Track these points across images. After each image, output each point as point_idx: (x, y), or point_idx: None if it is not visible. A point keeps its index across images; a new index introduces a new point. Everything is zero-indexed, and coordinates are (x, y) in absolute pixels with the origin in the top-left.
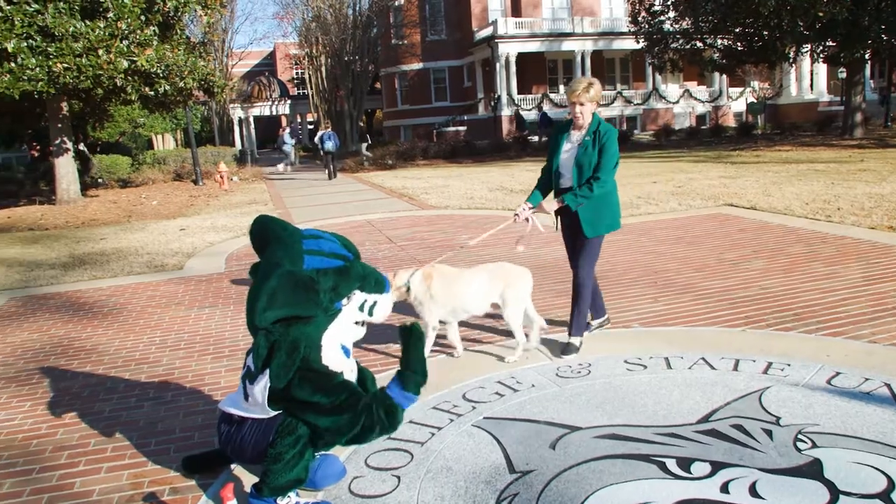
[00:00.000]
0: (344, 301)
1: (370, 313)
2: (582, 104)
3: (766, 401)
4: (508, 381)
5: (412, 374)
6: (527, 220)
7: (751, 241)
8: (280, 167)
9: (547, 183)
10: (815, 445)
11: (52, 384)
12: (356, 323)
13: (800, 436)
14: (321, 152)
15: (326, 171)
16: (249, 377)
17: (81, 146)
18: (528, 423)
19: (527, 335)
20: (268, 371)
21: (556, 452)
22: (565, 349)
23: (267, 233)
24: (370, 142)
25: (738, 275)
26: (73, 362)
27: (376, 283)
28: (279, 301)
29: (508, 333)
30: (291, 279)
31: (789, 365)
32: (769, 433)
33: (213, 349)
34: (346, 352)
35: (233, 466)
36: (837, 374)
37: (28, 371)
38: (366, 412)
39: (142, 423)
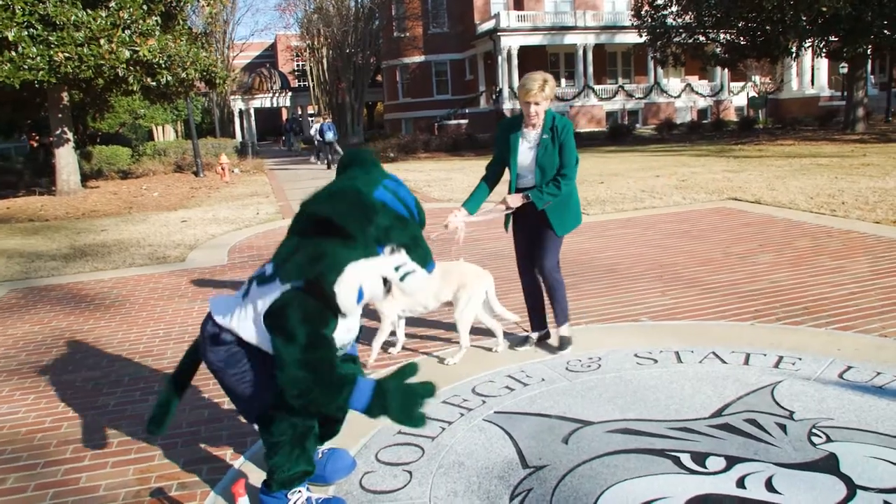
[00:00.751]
0: (387, 250)
1: (402, 278)
2: (538, 103)
3: (779, 395)
4: (518, 374)
5: (388, 399)
6: (456, 228)
7: (756, 235)
8: (312, 158)
9: (492, 181)
10: (829, 440)
11: (55, 377)
12: (384, 279)
13: (814, 430)
14: (320, 142)
15: (325, 161)
16: (260, 279)
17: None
18: (540, 417)
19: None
20: (277, 279)
21: (569, 447)
22: (562, 343)
23: (356, 158)
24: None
25: (745, 268)
26: (76, 355)
27: (423, 256)
28: (333, 202)
29: (509, 326)
30: (356, 195)
31: (800, 359)
32: (783, 427)
33: None
34: (360, 296)
35: (242, 461)
36: (849, 367)
37: (30, 363)
38: (326, 388)
39: (147, 416)
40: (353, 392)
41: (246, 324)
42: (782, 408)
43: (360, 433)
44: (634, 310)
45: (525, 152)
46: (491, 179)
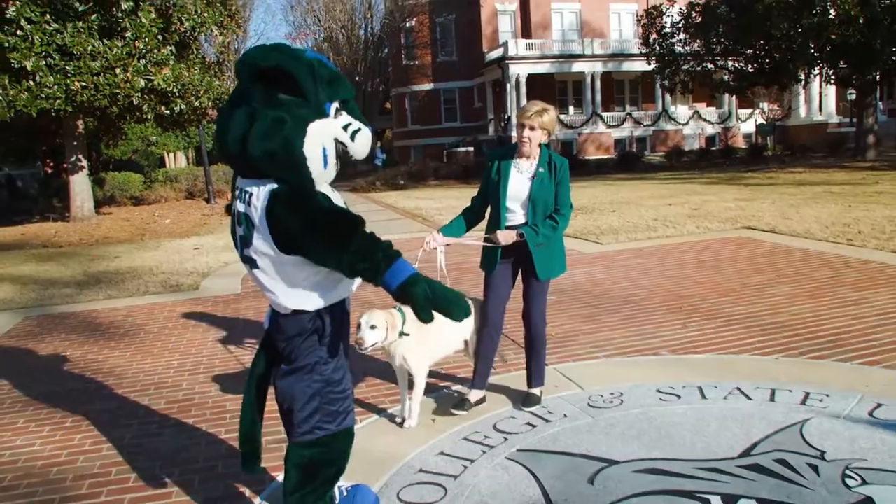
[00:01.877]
0: (332, 108)
1: (352, 137)
2: (532, 128)
3: (808, 433)
4: (539, 411)
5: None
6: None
7: (773, 265)
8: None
9: (476, 215)
10: (865, 482)
11: (70, 408)
12: (337, 142)
13: (847, 471)
14: None
15: None
16: (245, 242)
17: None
18: (564, 455)
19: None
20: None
21: (595, 488)
22: (526, 400)
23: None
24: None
25: (764, 300)
26: (91, 385)
27: (360, 114)
28: (279, 53)
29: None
30: (291, 49)
31: (828, 395)
32: (815, 468)
33: (234, 373)
34: (325, 162)
35: (259, 501)
36: (879, 405)
37: (46, 394)
38: (364, 242)
39: (164, 451)
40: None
41: (284, 290)
42: (813, 447)
43: (379, 472)
44: (654, 342)
45: (517, 183)
46: (473, 212)
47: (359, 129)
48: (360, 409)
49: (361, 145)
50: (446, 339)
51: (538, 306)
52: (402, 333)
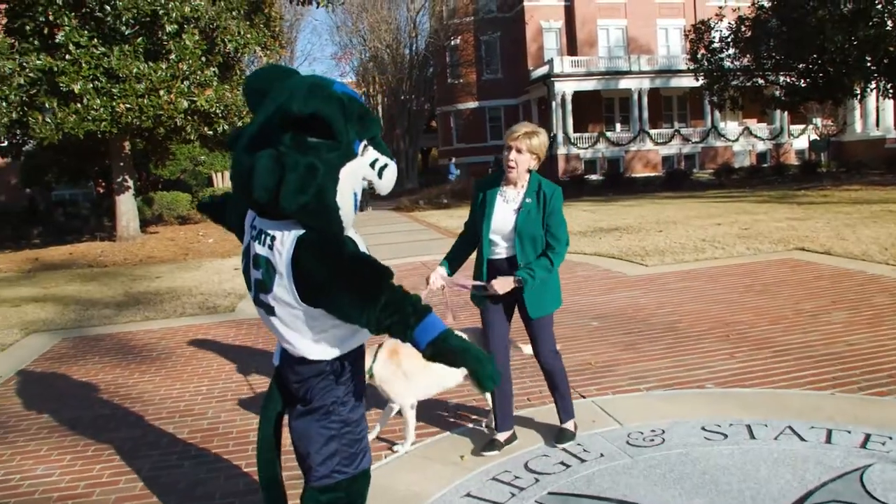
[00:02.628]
0: (361, 146)
1: (380, 175)
2: (519, 151)
3: (869, 482)
4: (574, 448)
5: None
6: (443, 288)
7: (828, 290)
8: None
9: (473, 241)
10: None
11: (94, 436)
12: (364, 180)
13: None
14: None
15: (360, 205)
16: (263, 287)
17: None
18: (598, 500)
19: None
20: (287, 270)
21: None
22: (560, 437)
23: (273, 72)
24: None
25: (819, 328)
26: (118, 412)
27: (386, 148)
28: (316, 98)
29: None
30: (327, 86)
31: (891, 438)
32: None
33: (260, 402)
34: (356, 204)
35: None
36: None
37: (72, 420)
38: (392, 296)
39: (181, 485)
40: (428, 319)
41: (300, 340)
42: (875, 499)
43: None
44: (699, 374)
45: (502, 214)
46: (469, 238)
47: (386, 165)
48: (382, 444)
49: (388, 181)
50: (438, 374)
51: (545, 342)
52: (369, 373)
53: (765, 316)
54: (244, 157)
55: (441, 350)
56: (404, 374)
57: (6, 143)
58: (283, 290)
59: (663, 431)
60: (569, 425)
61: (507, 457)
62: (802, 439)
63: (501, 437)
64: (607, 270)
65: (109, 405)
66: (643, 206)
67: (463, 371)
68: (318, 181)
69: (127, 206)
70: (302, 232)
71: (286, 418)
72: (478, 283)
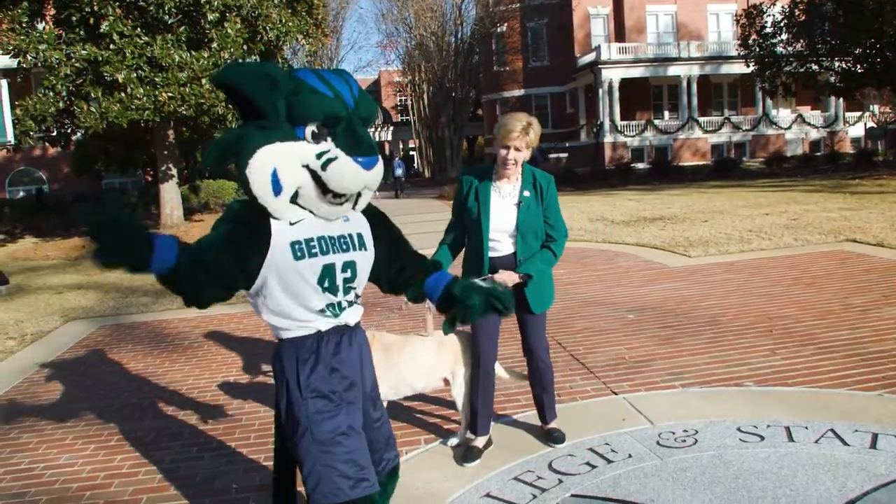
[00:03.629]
0: (307, 132)
1: (324, 166)
2: (518, 149)
3: None
4: (602, 448)
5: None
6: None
7: (880, 284)
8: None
9: (459, 243)
10: None
11: (119, 425)
12: (304, 167)
13: None
14: (392, 178)
15: (395, 192)
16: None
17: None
18: None
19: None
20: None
21: None
22: (552, 439)
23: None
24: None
25: (868, 324)
26: (145, 401)
27: (355, 142)
28: (234, 67)
29: (595, 386)
30: (262, 65)
31: None
32: None
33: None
34: (276, 185)
35: None
36: None
37: (99, 408)
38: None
39: (199, 478)
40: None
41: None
42: None
43: None
44: (738, 371)
45: (501, 211)
46: (452, 246)
47: (334, 159)
48: (403, 440)
49: (336, 175)
50: (415, 375)
51: (540, 337)
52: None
53: (811, 310)
54: None
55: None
56: (388, 370)
57: (55, 133)
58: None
59: (696, 432)
60: (555, 425)
61: (532, 455)
62: (845, 443)
63: (480, 442)
64: (649, 261)
65: (138, 394)
66: (690, 195)
67: (432, 374)
68: (231, 150)
69: (171, 194)
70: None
71: None
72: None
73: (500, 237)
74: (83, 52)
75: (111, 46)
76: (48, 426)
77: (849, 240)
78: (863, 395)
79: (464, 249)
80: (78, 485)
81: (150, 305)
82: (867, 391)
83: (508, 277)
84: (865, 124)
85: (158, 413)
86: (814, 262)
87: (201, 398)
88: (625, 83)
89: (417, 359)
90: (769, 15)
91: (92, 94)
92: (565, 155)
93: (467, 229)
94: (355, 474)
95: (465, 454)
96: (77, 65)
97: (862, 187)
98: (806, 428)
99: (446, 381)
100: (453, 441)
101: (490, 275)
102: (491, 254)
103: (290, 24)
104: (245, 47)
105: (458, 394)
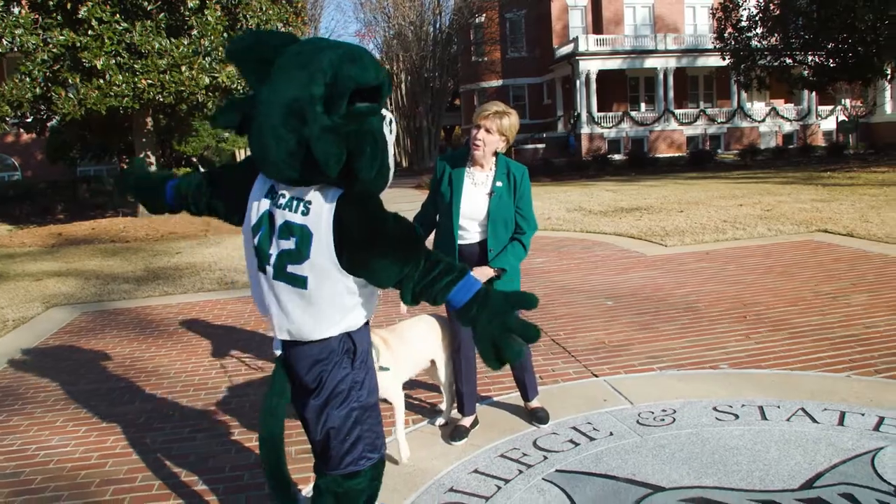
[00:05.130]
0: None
1: (391, 130)
2: (488, 130)
3: (880, 465)
4: (584, 427)
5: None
6: None
7: (849, 272)
8: None
9: (432, 223)
10: None
11: (108, 408)
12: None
13: None
14: None
15: None
16: (294, 257)
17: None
18: (606, 479)
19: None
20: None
21: None
22: (541, 417)
23: (272, 38)
24: None
25: (837, 310)
26: (133, 385)
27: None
28: (379, 67)
29: (577, 369)
30: (365, 51)
31: None
32: None
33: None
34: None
35: None
36: None
37: (87, 392)
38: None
39: (192, 457)
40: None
41: (317, 315)
42: (885, 482)
43: (407, 489)
44: (713, 355)
45: (472, 197)
46: (429, 221)
47: (392, 120)
48: (390, 420)
49: (394, 135)
50: (415, 361)
51: None
52: (381, 368)
53: (783, 297)
54: (288, 135)
55: (481, 309)
56: (396, 360)
57: (31, 119)
58: (321, 255)
59: (674, 411)
60: (537, 402)
61: (516, 434)
62: (815, 421)
63: (467, 421)
64: (626, 250)
65: (125, 378)
66: (666, 186)
67: (433, 350)
68: (380, 146)
69: None
70: (341, 192)
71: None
72: None
73: (470, 225)
74: (61, 37)
75: (89, 32)
76: (37, 409)
77: (820, 230)
78: (831, 376)
79: (434, 232)
80: (72, 465)
81: (133, 292)
82: (835, 373)
83: (483, 273)
84: (837, 118)
85: (147, 396)
86: (786, 252)
87: (189, 381)
88: (602, 75)
89: (417, 345)
90: (745, 9)
91: (70, 81)
92: (542, 146)
93: (439, 213)
94: (382, 432)
95: (453, 433)
96: (54, 50)
97: (833, 179)
98: (778, 407)
99: (432, 362)
100: (440, 421)
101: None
102: (460, 241)
103: (270, 11)
104: (225, 35)
105: (442, 375)
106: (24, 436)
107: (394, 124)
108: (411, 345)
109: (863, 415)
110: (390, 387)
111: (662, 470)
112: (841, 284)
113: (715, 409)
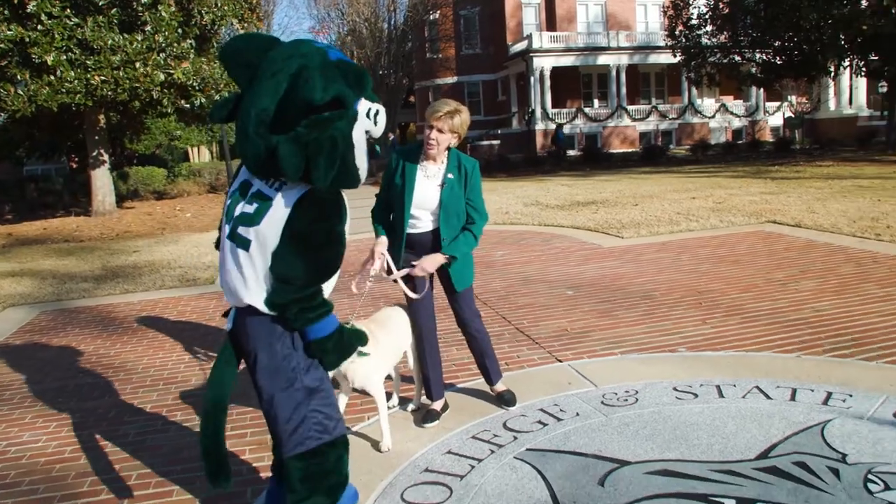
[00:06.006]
0: (359, 103)
1: (375, 121)
2: (441, 130)
3: (829, 435)
4: (551, 409)
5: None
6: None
7: (798, 261)
8: None
9: (388, 214)
10: (888, 487)
11: (78, 404)
12: (366, 132)
13: (870, 476)
14: None
15: None
16: (249, 220)
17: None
18: (574, 455)
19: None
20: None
21: (605, 490)
22: (504, 401)
23: (256, 42)
24: None
25: (787, 296)
26: (101, 380)
27: (372, 95)
28: (334, 83)
29: (541, 356)
30: (332, 64)
31: (851, 395)
32: (836, 472)
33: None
34: (369, 156)
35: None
36: None
37: (55, 389)
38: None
39: (166, 448)
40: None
41: (257, 281)
42: (834, 450)
43: (384, 471)
44: (672, 339)
45: (424, 189)
46: (385, 212)
47: (377, 111)
48: (367, 406)
49: (382, 124)
50: (395, 353)
51: (470, 310)
52: (360, 353)
53: (736, 285)
54: (258, 140)
55: (327, 346)
56: (382, 352)
57: None
58: (270, 225)
59: (637, 392)
60: (502, 385)
61: (486, 417)
62: (768, 397)
63: (437, 405)
64: (584, 242)
65: (92, 374)
66: (620, 181)
67: (409, 339)
68: (340, 152)
69: (102, 180)
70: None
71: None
72: (408, 268)
73: (422, 214)
74: (8, 32)
75: (39, 27)
76: (3, 407)
77: (770, 221)
78: (783, 356)
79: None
80: (45, 459)
81: (92, 291)
82: (787, 353)
83: (433, 261)
84: (784, 114)
85: (116, 391)
86: (738, 242)
87: (158, 376)
88: (556, 71)
89: (396, 338)
90: (695, 7)
91: (19, 77)
92: (497, 142)
93: (392, 204)
94: (335, 414)
95: (425, 417)
96: (2, 45)
97: (781, 173)
98: (734, 386)
99: (406, 353)
100: (411, 406)
101: (414, 263)
102: (410, 230)
103: (225, 7)
104: (180, 31)
105: (412, 362)
106: None
107: (381, 115)
108: (394, 335)
109: (812, 391)
110: (372, 377)
111: (627, 446)
112: (790, 272)
113: (675, 389)
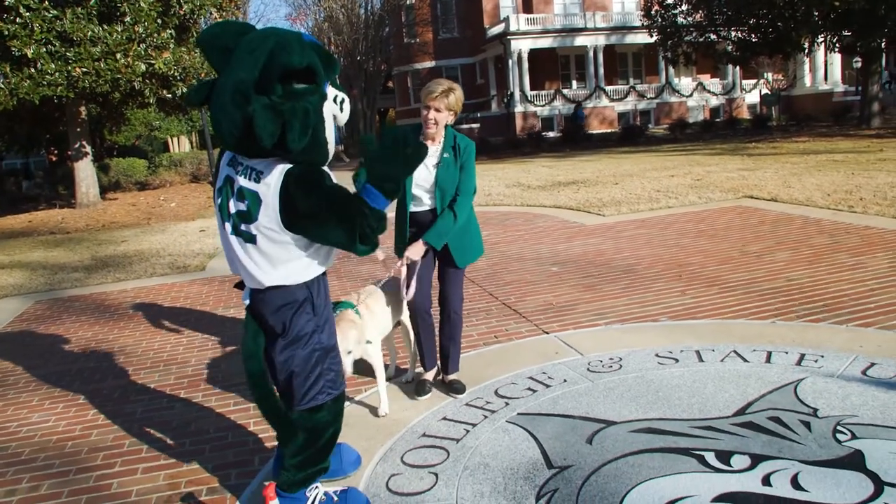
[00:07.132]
0: (327, 86)
1: (341, 108)
2: (438, 110)
3: (802, 392)
4: (540, 376)
5: (388, 183)
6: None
7: (773, 233)
8: None
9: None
10: (855, 437)
11: (82, 386)
12: (333, 117)
13: (839, 427)
14: None
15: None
16: (246, 217)
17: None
18: (563, 418)
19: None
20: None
21: (593, 447)
22: (458, 387)
23: (233, 28)
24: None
25: (763, 267)
26: (103, 364)
27: (338, 84)
28: (309, 51)
29: (529, 328)
30: (305, 38)
31: (822, 356)
32: (807, 425)
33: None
34: (336, 139)
35: (271, 465)
36: (872, 364)
37: (58, 373)
38: (359, 217)
39: (175, 423)
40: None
41: (273, 266)
42: (806, 405)
43: (385, 437)
44: (654, 310)
45: (422, 169)
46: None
47: (343, 99)
48: (361, 381)
49: (346, 112)
50: (388, 324)
51: (457, 290)
52: (368, 342)
53: (714, 257)
54: (234, 110)
55: (389, 189)
56: (377, 321)
57: None
58: (268, 218)
59: (621, 359)
60: (456, 376)
61: (478, 386)
62: (745, 360)
63: (429, 375)
64: (566, 221)
65: (93, 358)
66: (600, 160)
67: (399, 315)
68: (311, 122)
69: (86, 172)
70: (289, 166)
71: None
72: (401, 263)
73: (421, 193)
74: None
75: (17, 20)
76: (10, 391)
77: (747, 196)
78: (759, 323)
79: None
80: (57, 437)
81: (84, 280)
82: (762, 320)
83: (416, 249)
84: (760, 91)
85: (119, 373)
86: (716, 217)
87: (158, 358)
88: (534, 54)
89: (388, 309)
90: None
91: None
92: (477, 125)
93: None
94: (341, 370)
95: (418, 387)
96: None
97: (758, 150)
98: (713, 350)
99: (400, 322)
100: (407, 377)
101: (405, 255)
102: (413, 208)
103: None
104: (159, 21)
105: (411, 334)
106: (1, 415)
107: (346, 103)
108: (389, 306)
109: (787, 353)
110: (376, 354)
111: (613, 408)
112: (766, 244)
113: (657, 355)
